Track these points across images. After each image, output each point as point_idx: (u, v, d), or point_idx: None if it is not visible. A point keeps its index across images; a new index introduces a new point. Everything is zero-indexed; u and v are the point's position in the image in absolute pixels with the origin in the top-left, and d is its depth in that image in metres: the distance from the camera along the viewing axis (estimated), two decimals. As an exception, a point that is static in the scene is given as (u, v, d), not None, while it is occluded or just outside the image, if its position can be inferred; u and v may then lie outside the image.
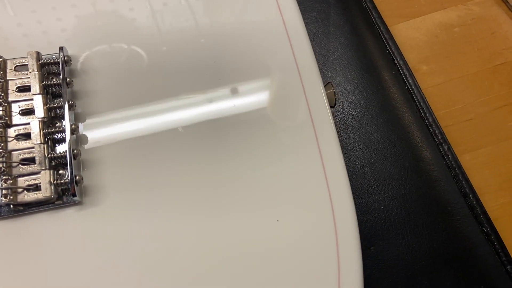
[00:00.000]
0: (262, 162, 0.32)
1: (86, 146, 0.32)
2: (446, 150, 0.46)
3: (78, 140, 0.32)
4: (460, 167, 0.46)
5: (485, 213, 0.44)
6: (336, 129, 0.34)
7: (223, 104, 0.33)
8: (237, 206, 0.31)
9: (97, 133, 0.32)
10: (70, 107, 0.31)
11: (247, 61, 0.35)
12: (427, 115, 0.48)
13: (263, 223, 0.30)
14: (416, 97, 0.49)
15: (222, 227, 0.30)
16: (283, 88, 0.35)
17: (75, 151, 0.30)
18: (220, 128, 0.33)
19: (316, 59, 0.36)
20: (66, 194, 0.30)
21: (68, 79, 0.32)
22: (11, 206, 0.29)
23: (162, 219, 0.30)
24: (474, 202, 0.44)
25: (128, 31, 0.35)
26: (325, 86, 0.37)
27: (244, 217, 0.30)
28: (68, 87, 0.32)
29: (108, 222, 0.30)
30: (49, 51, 0.33)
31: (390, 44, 0.52)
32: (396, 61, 0.51)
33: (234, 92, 0.34)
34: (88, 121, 0.32)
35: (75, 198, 0.29)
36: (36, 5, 0.35)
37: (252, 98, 0.34)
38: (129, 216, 0.30)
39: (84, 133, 0.32)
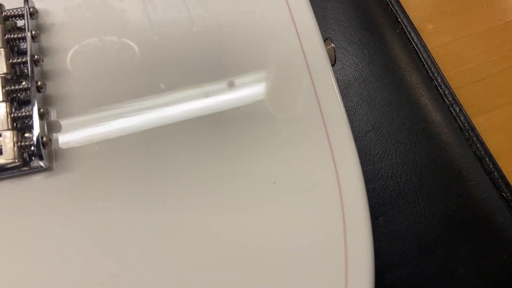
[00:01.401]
0: (261, 132, 0.28)
1: (56, 107, 0.28)
2: (457, 111, 0.43)
3: (46, 100, 0.28)
4: (473, 129, 0.42)
5: (503, 177, 0.40)
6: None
7: (222, 85, 0.30)
8: (237, 188, 0.27)
9: (67, 92, 0.29)
10: (36, 62, 0.28)
11: (245, 31, 0.32)
12: (435, 75, 0.45)
13: (266, 199, 0.27)
14: (423, 56, 0.46)
15: (219, 214, 0.26)
16: (281, 51, 0.31)
17: (41, 110, 0.26)
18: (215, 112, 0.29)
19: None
20: (34, 159, 0.26)
21: (33, 32, 0.28)
22: (-31, 172, 0.25)
23: (143, 192, 0.26)
24: (490, 166, 0.41)
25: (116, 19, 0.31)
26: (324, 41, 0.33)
27: (246, 199, 0.27)
28: (34, 41, 0.28)
29: (81, 190, 0.26)
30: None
31: (392, 1, 0.49)
32: (399, 19, 0.48)
33: (232, 69, 0.30)
34: (57, 80, 0.29)
35: (42, 162, 0.26)
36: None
37: (249, 70, 0.31)
38: (105, 184, 0.27)
39: (53, 92, 0.28)
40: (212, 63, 0.30)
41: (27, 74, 0.28)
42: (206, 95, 0.29)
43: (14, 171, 0.26)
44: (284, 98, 0.30)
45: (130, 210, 0.26)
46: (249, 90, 0.30)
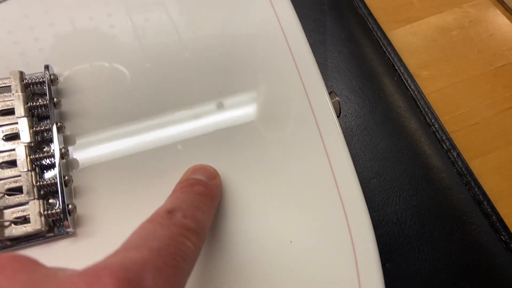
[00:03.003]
0: (269, 178, 0.30)
1: (77, 172, 0.29)
2: (455, 156, 0.45)
3: (69, 165, 0.29)
4: (471, 173, 0.44)
5: (501, 220, 0.42)
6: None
7: (226, 117, 0.31)
8: (243, 225, 0.28)
9: (89, 156, 0.29)
10: (59, 129, 0.29)
11: (245, 72, 0.33)
12: (432, 121, 0.47)
13: (277, 245, 0.28)
14: (420, 103, 0.48)
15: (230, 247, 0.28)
16: (285, 99, 0.33)
17: (66, 177, 0.27)
18: (221, 141, 0.30)
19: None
20: (58, 225, 0.27)
21: (55, 99, 0.29)
22: (-3, 242, 0.26)
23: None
24: (489, 210, 0.42)
25: (111, 48, 0.33)
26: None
27: (255, 239, 0.28)
28: (56, 108, 0.29)
29: (106, 254, 0.27)
30: (28, 72, 0.30)
31: (389, 50, 0.51)
32: (396, 67, 0.50)
33: (236, 105, 0.32)
34: (78, 143, 0.30)
35: (68, 230, 0.27)
36: (13, 25, 0.33)
37: (253, 110, 0.32)
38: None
39: (75, 157, 0.29)
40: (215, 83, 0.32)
41: (48, 139, 0.29)
42: (216, 111, 0.31)
43: (40, 238, 0.27)
44: (293, 152, 0.31)
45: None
46: (257, 151, 0.31)
